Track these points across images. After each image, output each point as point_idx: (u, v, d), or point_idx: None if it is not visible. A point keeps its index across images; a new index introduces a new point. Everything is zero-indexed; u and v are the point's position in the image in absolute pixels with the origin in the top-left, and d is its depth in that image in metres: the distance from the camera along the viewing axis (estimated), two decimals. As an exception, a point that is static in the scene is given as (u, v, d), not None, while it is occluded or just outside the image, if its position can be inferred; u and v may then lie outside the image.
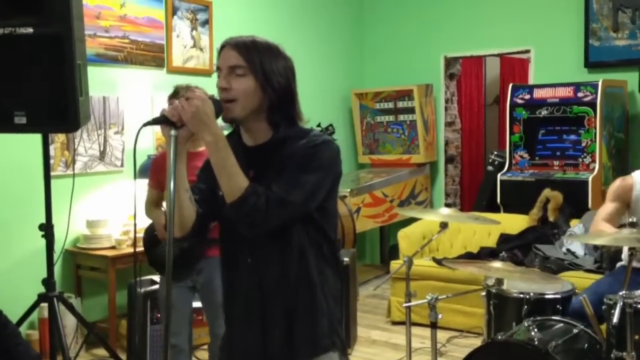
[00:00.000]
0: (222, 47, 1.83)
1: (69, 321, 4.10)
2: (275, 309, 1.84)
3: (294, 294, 1.83)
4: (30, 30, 2.95)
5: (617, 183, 3.51)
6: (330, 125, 6.38)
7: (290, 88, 1.85)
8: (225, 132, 1.84)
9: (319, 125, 6.22)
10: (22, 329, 3.36)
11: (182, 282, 3.22)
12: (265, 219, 1.71)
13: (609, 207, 3.49)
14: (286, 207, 1.73)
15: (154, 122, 1.76)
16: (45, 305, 3.41)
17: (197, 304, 3.44)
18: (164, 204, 3.22)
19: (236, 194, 1.70)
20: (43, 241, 3.26)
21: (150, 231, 3.47)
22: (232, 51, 1.79)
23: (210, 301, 3.28)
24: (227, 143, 1.72)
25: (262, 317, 1.85)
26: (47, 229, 3.25)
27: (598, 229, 3.41)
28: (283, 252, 1.81)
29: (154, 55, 5.09)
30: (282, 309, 1.83)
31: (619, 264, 3.66)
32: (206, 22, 5.48)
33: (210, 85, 4.28)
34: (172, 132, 1.70)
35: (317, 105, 6.29)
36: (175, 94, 3.20)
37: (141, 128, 1.73)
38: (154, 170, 3.46)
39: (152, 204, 3.45)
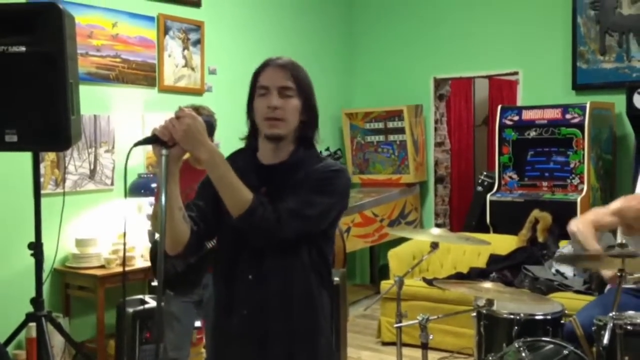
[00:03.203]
0: (266, 65, 1.87)
1: (57, 341, 4.06)
2: (277, 329, 1.84)
3: (296, 313, 1.84)
4: (23, 48, 2.96)
5: None
6: (339, 149, 6.44)
7: (317, 110, 1.93)
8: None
9: (327, 149, 6.24)
10: (10, 348, 3.32)
11: (188, 297, 3.23)
12: (280, 228, 1.74)
13: None
14: (300, 220, 1.76)
15: (145, 141, 1.76)
16: (33, 324, 3.37)
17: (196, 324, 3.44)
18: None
19: (242, 207, 1.72)
20: (32, 260, 3.23)
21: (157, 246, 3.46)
22: (282, 72, 1.85)
23: None
24: (223, 157, 1.74)
25: (263, 335, 1.84)
26: (36, 247, 3.22)
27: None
28: (287, 272, 1.83)
29: (145, 75, 5.10)
30: (284, 329, 1.84)
31: (608, 287, 3.64)
32: (198, 42, 5.50)
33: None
34: (164, 151, 1.70)
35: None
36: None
37: (132, 147, 1.73)
38: None
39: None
